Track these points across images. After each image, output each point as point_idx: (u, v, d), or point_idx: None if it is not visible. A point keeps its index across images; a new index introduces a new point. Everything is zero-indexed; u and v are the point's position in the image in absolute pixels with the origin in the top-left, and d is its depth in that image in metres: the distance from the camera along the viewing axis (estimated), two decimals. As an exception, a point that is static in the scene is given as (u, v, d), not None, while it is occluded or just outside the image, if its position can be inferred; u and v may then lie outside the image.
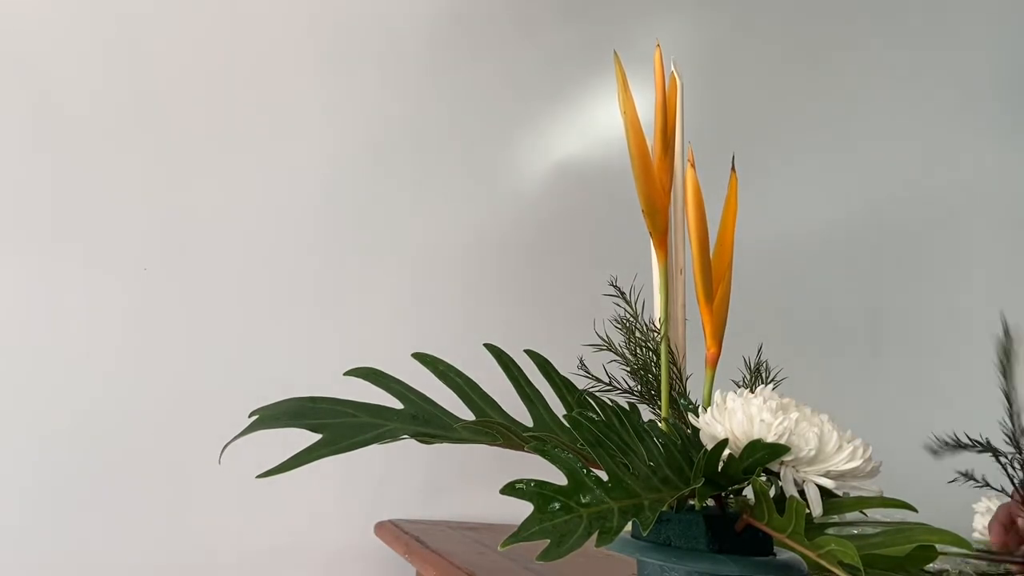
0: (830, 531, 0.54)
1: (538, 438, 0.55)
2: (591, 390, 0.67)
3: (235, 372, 1.13)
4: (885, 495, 0.56)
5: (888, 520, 0.55)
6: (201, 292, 1.14)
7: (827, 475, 0.55)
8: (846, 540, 0.49)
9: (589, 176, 1.33)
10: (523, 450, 0.58)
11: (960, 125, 1.54)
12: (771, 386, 0.62)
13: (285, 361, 1.15)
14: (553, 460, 0.52)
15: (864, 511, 0.56)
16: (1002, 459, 0.63)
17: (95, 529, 1.06)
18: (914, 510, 0.55)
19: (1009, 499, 0.59)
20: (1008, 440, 0.59)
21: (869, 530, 0.59)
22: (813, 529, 0.52)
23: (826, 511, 0.54)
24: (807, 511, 0.52)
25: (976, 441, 0.64)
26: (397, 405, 0.64)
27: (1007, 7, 1.55)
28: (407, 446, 0.63)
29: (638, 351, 0.69)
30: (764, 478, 0.55)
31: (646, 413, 0.66)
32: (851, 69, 1.50)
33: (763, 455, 0.53)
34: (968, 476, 0.66)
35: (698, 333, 0.69)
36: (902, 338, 1.46)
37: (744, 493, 0.59)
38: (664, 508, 0.52)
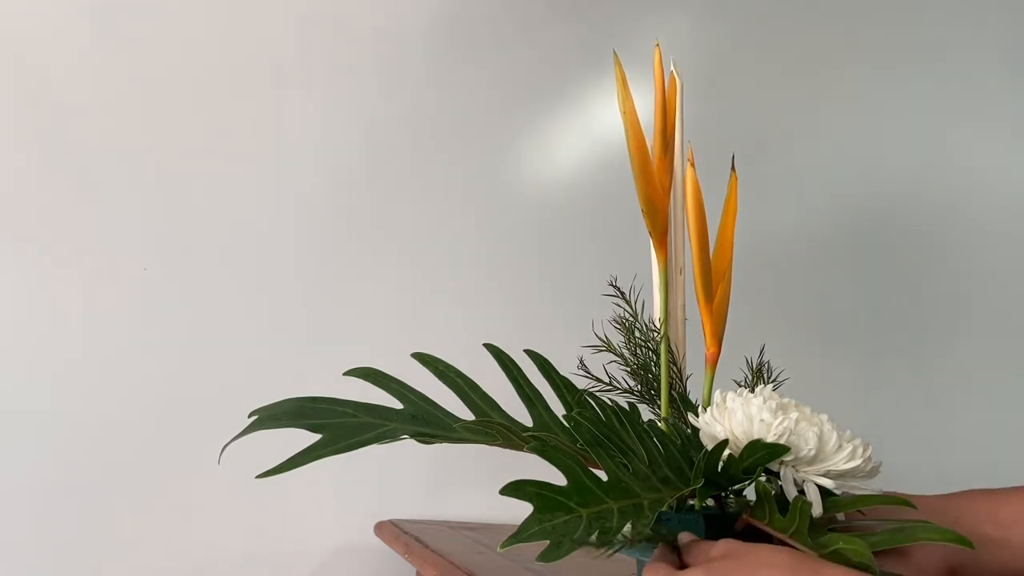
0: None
1: (538, 438, 0.55)
2: (591, 390, 0.67)
3: (235, 372, 1.13)
4: (885, 494, 0.56)
5: (889, 519, 0.55)
6: (201, 292, 1.14)
7: (827, 475, 0.55)
8: (854, 537, 0.49)
9: (589, 176, 1.33)
10: (523, 450, 0.58)
11: (965, 121, 1.53)
12: (771, 386, 0.62)
13: (285, 361, 1.15)
14: (553, 460, 0.52)
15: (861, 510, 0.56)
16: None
17: (95, 530, 1.06)
18: (913, 506, 0.55)
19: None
20: None
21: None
22: (814, 528, 0.52)
23: (826, 509, 0.54)
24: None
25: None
26: (397, 405, 0.64)
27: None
28: (407, 446, 0.63)
29: (638, 351, 0.69)
30: (764, 478, 0.55)
31: (646, 413, 0.66)
32: (852, 67, 1.50)
33: (763, 455, 0.53)
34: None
35: (698, 333, 0.69)
36: (903, 338, 1.46)
37: (744, 493, 0.59)
38: (664, 508, 0.52)
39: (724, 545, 0.50)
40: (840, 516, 0.55)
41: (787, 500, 0.54)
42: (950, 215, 1.50)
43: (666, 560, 0.53)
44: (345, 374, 0.66)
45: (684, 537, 0.55)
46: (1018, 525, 0.56)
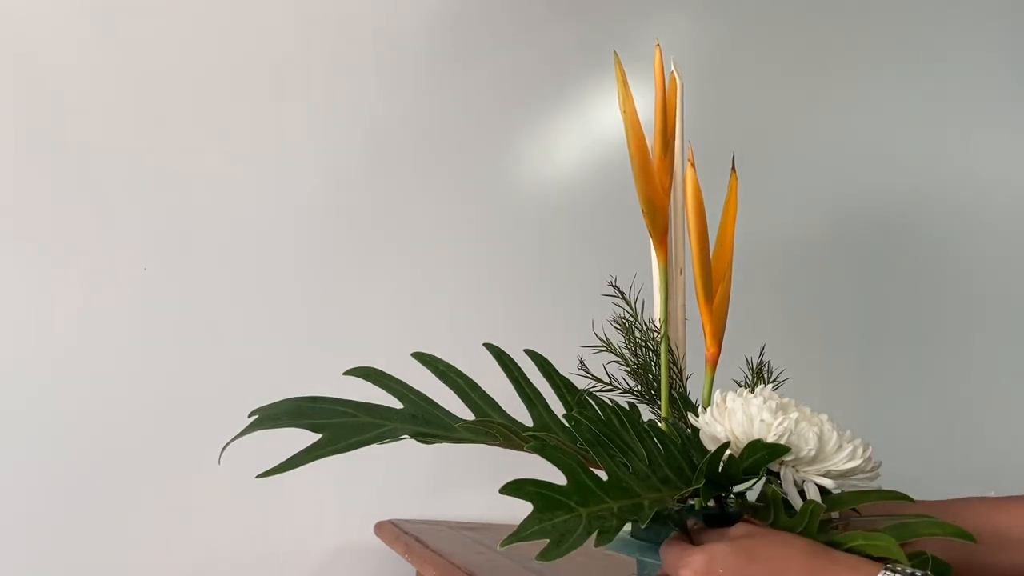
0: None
1: (538, 438, 0.55)
2: (591, 390, 0.67)
3: (235, 372, 1.13)
4: (883, 494, 0.56)
5: (888, 515, 0.55)
6: (201, 292, 1.14)
7: (827, 475, 0.55)
8: (876, 532, 0.49)
9: (589, 176, 1.33)
10: (523, 450, 0.58)
11: (965, 121, 1.53)
12: (770, 386, 0.62)
13: (285, 361, 1.15)
14: (553, 460, 0.52)
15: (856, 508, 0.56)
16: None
17: (94, 530, 1.06)
18: (912, 500, 0.55)
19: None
20: None
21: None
22: (821, 529, 0.52)
23: (825, 507, 0.54)
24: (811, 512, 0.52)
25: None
26: (397, 405, 0.64)
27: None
28: (407, 446, 0.63)
29: (638, 351, 0.69)
30: (764, 478, 0.56)
31: (646, 413, 0.66)
32: (853, 66, 1.49)
33: (763, 455, 0.53)
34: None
35: (698, 333, 0.69)
36: (903, 338, 1.46)
37: (745, 494, 0.59)
38: (663, 508, 0.52)
39: (744, 526, 0.52)
40: (835, 515, 0.56)
41: (789, 503, 0.54)
42: (950, 215, 1.50)
43: (683, 539, 0.55)
44: (345, 374, 0.66)
45: (694, 524, 0.56)
46: (1015, 531, 0.56)
